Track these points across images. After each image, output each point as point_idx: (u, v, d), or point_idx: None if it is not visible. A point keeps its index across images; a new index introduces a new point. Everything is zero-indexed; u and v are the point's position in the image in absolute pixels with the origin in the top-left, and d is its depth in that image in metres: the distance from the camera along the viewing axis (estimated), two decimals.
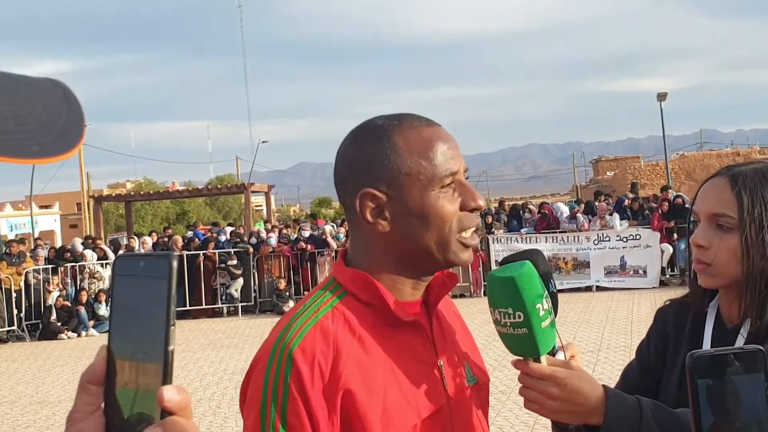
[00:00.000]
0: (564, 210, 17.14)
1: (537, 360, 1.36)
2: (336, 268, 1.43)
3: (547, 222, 16.60)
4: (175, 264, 0.77)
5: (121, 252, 12.02)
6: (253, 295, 16.88)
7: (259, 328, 14.29)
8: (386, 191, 1.33)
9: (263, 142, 39.70)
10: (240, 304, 16.71)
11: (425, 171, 1.33)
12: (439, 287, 1.42)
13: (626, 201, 16.99)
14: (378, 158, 1.33)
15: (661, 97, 25.72)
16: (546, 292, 1.35)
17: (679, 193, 17.83)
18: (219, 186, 40.36)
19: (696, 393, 0.81)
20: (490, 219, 16.80)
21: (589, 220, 16.41)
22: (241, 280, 16.83)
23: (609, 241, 15.92)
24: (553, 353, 1.40)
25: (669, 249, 15.76)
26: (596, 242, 15.98)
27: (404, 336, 1.36)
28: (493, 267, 15.95)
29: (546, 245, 15.67)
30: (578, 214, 16.58)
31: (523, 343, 1.34)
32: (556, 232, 16.32)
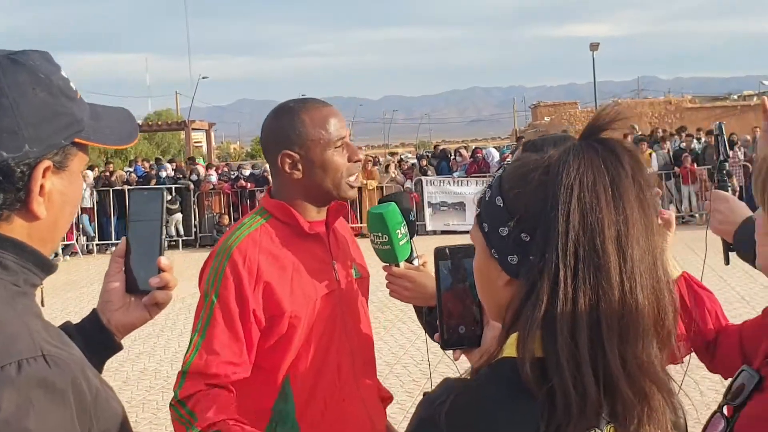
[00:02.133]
0: (495, 155, 17.95)
1: (397, 265, 2.05)
2: (264, 199, 2.16)
3: (478, 166, 17.40)
4: (165, 194, 1.43)
5: None
6: (194, 230, 17.43)
7: (198, 261, 14.78)
8: (298, 151, 2.04)
9: (203, 77, 39.60)
10: (181, 239, 17.25)
11: (324, 137, 2.04)
12: (334, 212, 2.15)
13: None
14: (292, 129, 2.04)
15: (594, 46, 26.68)
16: (404, 221, 2.03)
17: None
18: (159, 122, 40.19)
19: (438, 269, 1.51)
20: (424, 162, 17.52)
21: None
22: (178, 216, 17.34)
23: None
24: (410, 260, 2.08)
25: None
26: None
27: (309, 244, 2.07)
28: (426, 207, 16.81)
29: (476, 188, 16.47)
30: (507, 159, 17.37)
31: (388, 254, 2.03)
32: (486, 176, 17.13)
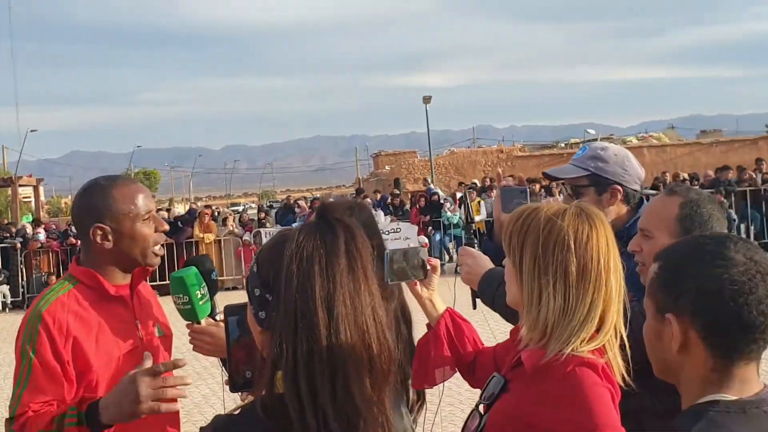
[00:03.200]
0: None
1: (199, 323, 2.27)
2: (72, 266, 2.36)
3: None
4: None
5: None
6: (22, 291, 16.66)
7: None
8: (109, 224, 2.27)
9: (32, 131, 38.05)
10: (8, 300, 16.45)
11: (133, 211, 2.28)
12: (138, 276, 2.38)
13: (389, 198, 18.51)
14: (104, 204, 2.27)
15: (426, 99, 27.93)
16: (204, 283, 2.26)
17: (435, 190, 19.64)
18: None
19: (227, 322, 1.76)
20: (263, 215, 17.68)
21: None
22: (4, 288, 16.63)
23: None
24: (213, 316, 2.31)
25: (425, 240, 17.41)
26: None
27: (114, 306, 2.29)
28: None
29: None
30: None
31: (189, 313, 2.27)
32: None
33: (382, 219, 17.62)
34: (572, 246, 1.75)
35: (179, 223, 17.57)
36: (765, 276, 1.29)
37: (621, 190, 2.65)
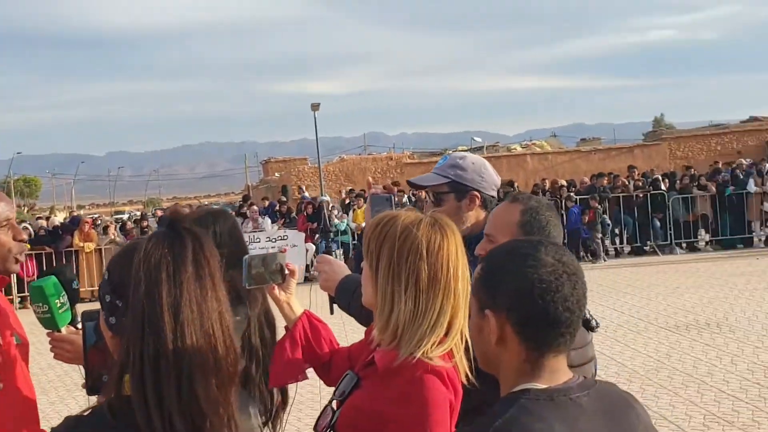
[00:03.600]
0: None
1: (59, 331, 2.29)
2: None
3: None
4: None
5: None
6: None
7: None
8: None
9: None
10: None
11: None
12: None
13: (277, 206, 18.47)
14: None
15: (315, 107, 28.01)
16: (63, 291, 2.27)
17: (324, 198, 19.73)
18: None
19: (84, 328, 1.81)
20: (145, 223, 17.32)
21: (241, 222, 17.60)
22: None
23: (259, 242, 17.21)
24: (74, 324, 2.33)
25: (312, 247, 17.47)
26: (248, 243, 17.18)
27: None
28: None
29: None
30: None
31: (49, 322, 2.28)
32: None
33: (268, 226, 17.64)
34: (425, 254, 1.88)
35: (59, 231, 17.02)
36: (571, 276, 1.44)
37: (479, 196, 2.80)
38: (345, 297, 2.45)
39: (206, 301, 1.42)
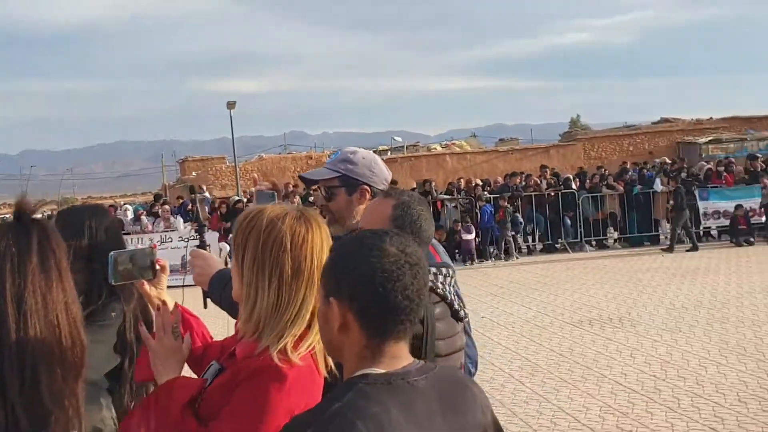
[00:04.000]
0: (130, 212, 17.80)
1: None
2: None
3: None
4: None
5: None
6: None
7: None
8: None
9: None
10: None
11: None
12: None
13: (189, 205, 18.19)
14: None
15: (231, 105, 27.79)
16: None
17: (240, 198, 19.52)
18: None
19: None
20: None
21: (153, 222, 17.28)
22: None
23: (171, 241, 16.93)
24: None
25: (226, 247, 17.25)
26: (160, 243, 16.90)
27: None
28: None
29: None
30: (142, 216, 17.38)
31: None
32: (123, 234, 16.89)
33: (180, 226, 17.34)
34: (289, 247, 1.88)
35: None
36: (413, 266, 1.46)
37: (369, 190, 2.82)
38: (217, 291, 2.45)
39: (51, 292, 1.42)
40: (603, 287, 12.79)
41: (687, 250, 16.76)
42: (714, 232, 18.60)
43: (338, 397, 1.42)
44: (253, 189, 2.95)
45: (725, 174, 19.02)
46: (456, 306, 2.37)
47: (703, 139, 30.04)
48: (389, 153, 39.00)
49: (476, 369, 2.86)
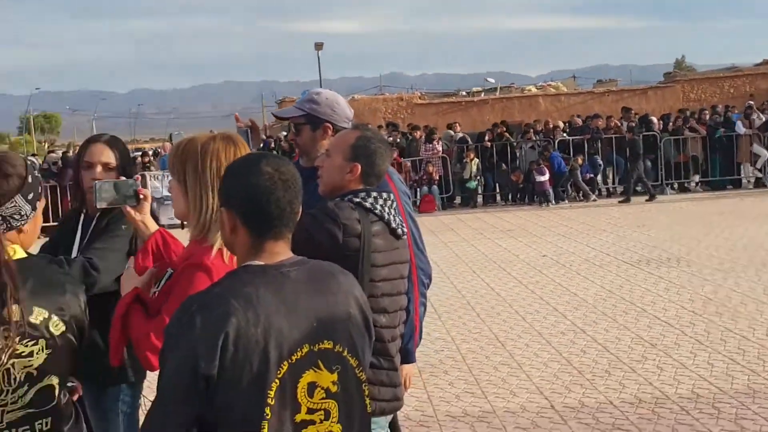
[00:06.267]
0: None
1: None
2: None
3: None
4: None
5: None
6: None
7: None
8: None
9: None
10: None
11: None
12: None
13: (271, 144, 18.87)
14: None
15: (318, 46, 28.26)
16: None
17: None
18: None
19: None
20: (147, 159, 17.81)
21: None
22: None
23: None
24: None
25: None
26: None
27: None
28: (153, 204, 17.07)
29: None
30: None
31: None
32: None
33: None
34: (223, 160, 2.33)
35: (63, 165, 17.54)
36: (285, 182, 1.86)
37: (331, 127, 3.18)
38: None
39: None
40: (672, 228, 12.82)
41: None
42: None
43: (221, 282, 1.86)
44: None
45: None
46: (393, 225, 2.75)
47: None
48: (483, 94, 38.57)
49: (430, 281, 3.24)
